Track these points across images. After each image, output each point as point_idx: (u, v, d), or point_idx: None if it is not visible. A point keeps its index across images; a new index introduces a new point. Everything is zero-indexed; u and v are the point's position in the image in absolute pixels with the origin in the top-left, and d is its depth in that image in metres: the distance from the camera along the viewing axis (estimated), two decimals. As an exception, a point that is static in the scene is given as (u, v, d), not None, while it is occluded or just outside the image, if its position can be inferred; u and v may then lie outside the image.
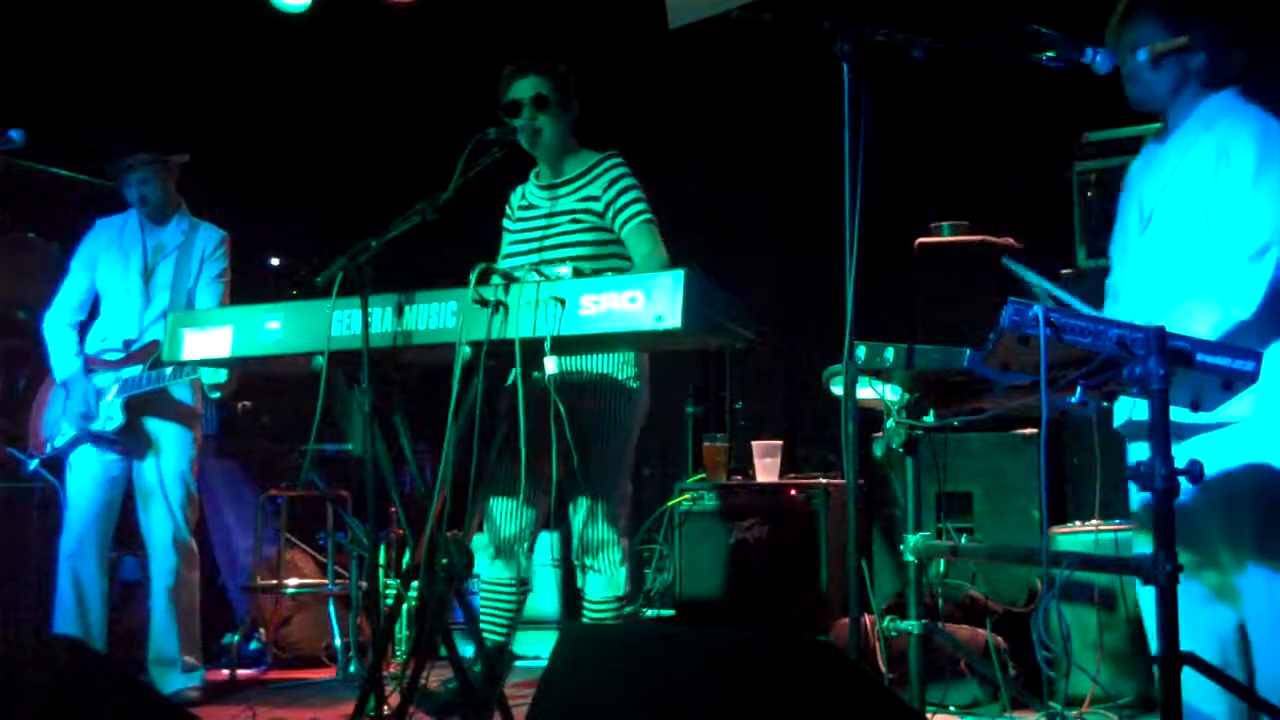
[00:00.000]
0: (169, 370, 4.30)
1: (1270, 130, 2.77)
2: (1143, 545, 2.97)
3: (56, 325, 4.66)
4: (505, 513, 3.76)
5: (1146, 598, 2.96)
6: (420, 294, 3.19)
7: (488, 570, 3.80)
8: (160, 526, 4.50)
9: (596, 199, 3.81)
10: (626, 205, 3.79)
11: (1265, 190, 2.71)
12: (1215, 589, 2.79)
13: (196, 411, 4.61)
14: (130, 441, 4.51)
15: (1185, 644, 2.31)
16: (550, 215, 3.87)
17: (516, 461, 3.37)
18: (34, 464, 4.62)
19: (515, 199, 4.04)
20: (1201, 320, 2.65)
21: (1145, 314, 2.75)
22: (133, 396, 4.44)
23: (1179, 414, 2.49)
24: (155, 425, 4.52)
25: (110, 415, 4.45)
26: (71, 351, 4.61)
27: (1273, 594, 2.72)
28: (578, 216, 3.81)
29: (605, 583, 3.74)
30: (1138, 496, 2.96)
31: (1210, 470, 2.32)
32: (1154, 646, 2.94)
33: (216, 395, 4.40)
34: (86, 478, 4.52)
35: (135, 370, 4.45)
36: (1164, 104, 2.93)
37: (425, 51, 6.47)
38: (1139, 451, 2.91)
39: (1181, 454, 2.34)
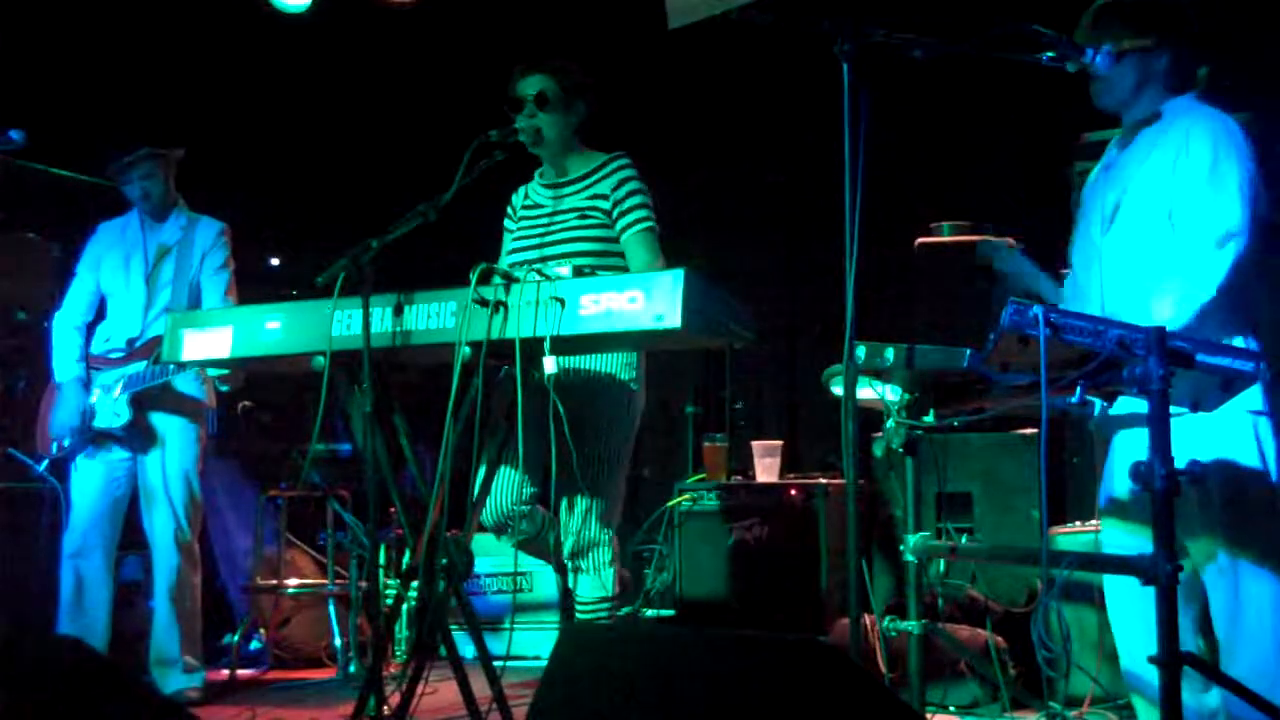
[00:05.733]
0: (172, 364, 4.30)
1: (1226, 124, 2.85)
2: (1112, 541, 3.01)
3: (64, 328, 4.65)
4: (503, 487, 3.75)
5: (1114, 594, 2.98)
6: (420, 294, 3.20)
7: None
8: (163, 527, 4.50)
9: (605, 197, 3.81)
10: (632, 209, 3.79)
11: (1222, 180, 2.78)
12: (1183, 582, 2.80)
13: (203, 406, 4.61)
14: (136, 438, 4.51)
15: (1147, 640, 2.35)
16: (554, 213, 3.87)
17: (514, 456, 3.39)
18: (43, 465, 4.61)
19: (518, 199, 4.04)
20: (1165, 305, 2.70)
21: (1116, 312, 2.78)
22: (138, 392, 4.44)
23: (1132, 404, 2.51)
24: (162, 420, 4.52)
25: (117, 412, 4.45)
26: (74, 356, 4.59)
27: (1239, 586, 2.75)
28: (585, 213, 3.81)
29: (594, 583, 3.75)
30: (1118, 490, 2.98)
31: (1183, 463, 2.34)
32: (1121, 644, 2.98)
33: (226, 388, 4.43)
34: (91, 477, 4.51)
35: (139, 366, 4.45)
36: (1126, 103, 3.01)
37: (426, 52, 6.47)
38: (1125, 446, 2.93)
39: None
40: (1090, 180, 3.18)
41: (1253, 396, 2.74)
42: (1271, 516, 2.76)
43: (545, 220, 3.88)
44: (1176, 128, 2.90)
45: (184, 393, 4.53)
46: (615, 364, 3.78)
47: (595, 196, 3.83)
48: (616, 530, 3.81)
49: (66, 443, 4.53)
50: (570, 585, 3.80)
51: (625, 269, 3.76)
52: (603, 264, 3.71)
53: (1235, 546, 2.75)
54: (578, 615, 3.78)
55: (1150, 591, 2.34)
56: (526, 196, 4.01)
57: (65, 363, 4.60)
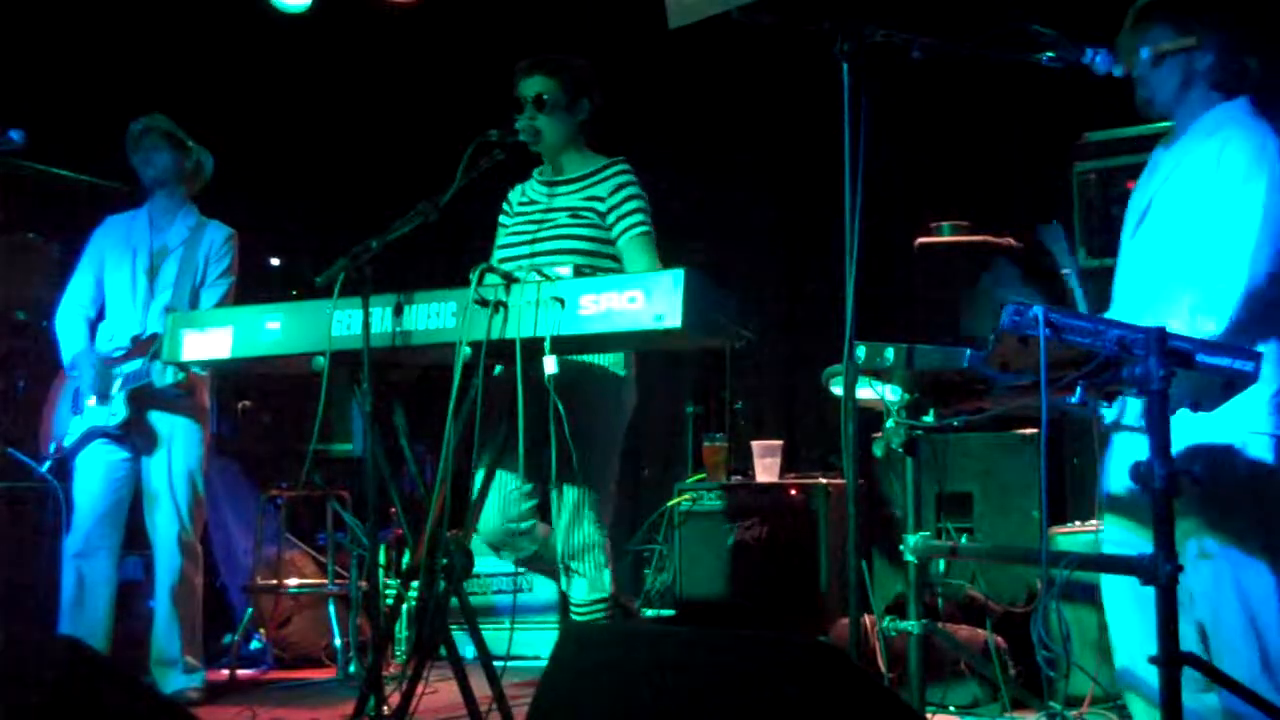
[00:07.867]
0: (156, 365, 4.28)
1: (1267, 143, 2.77)
2: (1112, 538, 3.00)
3: (68, 318, 4.62)
4: (498, 505, 3.75)
5: (1110, 592, 2.98)
6: (420, 294, 3.20)
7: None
8: (166, 527, 4.49)
9: (601, 199, 3.82)
10: (629, 214, 3.80)
11: (1250, 196, 2.72)
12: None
13: (205, 406, 4.60)
14: (137, 437, 4.50)
15: (1144, 638, 2.34)
16: (549, 210, 3.88)
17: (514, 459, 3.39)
18: (45, 465, 4.59)
19: (515, 195, 4.05)
20: (1198, 325, 2.67)
21: (1130, 315, 2.77)
22: (135, 389, 4.42)
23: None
24: (164, 420, 4.50)
25: (114, 410, 4.44)
26: (82, 337, 4.57)
27: (1218, 576, 2.73)
28: (579, 213, 3.81)
29: (589, 585, 3.73)
30: (1115, 487, 2.97)
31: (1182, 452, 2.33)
32: (1116, 642, 2.98)
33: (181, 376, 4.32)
34: (93, 477, 4.50)
35: (137, 364, 4.43)
36: (1171, 106, 2.94)
37: (426, 51, 6.47)
38: (1124, 442, 2.92)
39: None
40: (1137, 183, 3.10)
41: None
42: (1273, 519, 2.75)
43: (539, 217, 3.89)
44: (1219, 136, 2.81)
45: (173, 388, 4.45)
46: (603, 360, 3.75)
47: (591, 198, 3.84)
48: (610, 531, 3.80)
49: (68, 441, 4.53)
50: (564, 587, 3.79)
51: (617, 270, 3.76)
52: (595, 264, 3.71)
53: (1221, 538, 2.74)
54: (574, 618, 3.77)
55: (1148, 590, 2.33)
56: (524, 193, 4.02)
57: (73, 342, 4.56)
